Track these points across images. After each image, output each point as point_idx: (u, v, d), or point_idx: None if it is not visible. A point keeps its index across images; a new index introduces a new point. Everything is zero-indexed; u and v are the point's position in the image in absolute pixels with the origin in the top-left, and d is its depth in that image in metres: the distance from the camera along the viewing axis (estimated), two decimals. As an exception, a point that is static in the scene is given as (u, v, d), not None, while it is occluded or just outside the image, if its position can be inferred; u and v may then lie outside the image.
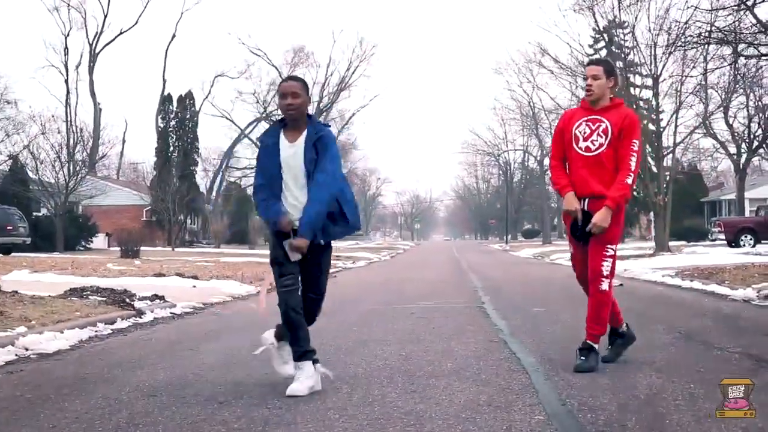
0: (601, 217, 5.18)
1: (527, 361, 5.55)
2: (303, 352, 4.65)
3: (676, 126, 31.74)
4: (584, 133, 5.29)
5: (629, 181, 5.20)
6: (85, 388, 4.95)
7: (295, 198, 4.77)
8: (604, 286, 5.26)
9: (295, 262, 4.69)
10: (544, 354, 5.60)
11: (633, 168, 5.21)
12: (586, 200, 5.28)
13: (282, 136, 4.84)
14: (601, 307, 5.30)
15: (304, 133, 4.78)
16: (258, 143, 5.83)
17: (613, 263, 5.29)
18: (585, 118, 5.33)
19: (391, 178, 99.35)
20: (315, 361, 4.70)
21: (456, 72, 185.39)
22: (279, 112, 4.99)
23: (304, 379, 4.60)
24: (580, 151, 5.30)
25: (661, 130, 32.25)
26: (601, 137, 5.25)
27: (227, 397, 4.57)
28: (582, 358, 5.22)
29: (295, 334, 4.68)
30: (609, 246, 5.25)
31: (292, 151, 4.78)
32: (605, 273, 5.24)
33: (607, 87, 5.31)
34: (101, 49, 56.12)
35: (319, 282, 4.90)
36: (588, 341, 5.27)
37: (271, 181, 4.80)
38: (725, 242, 31.46)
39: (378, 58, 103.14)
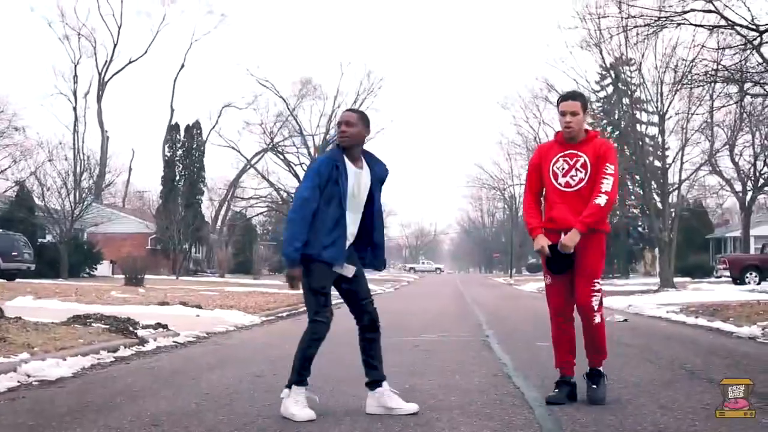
0: (568, 238, 5.13)
1: (531, 396, 5.53)
2: (302, 380, 4.81)
3: (681, 163, 31.93)
4: (563, 169, 5.25)
5: (601, 202, 5.10)
6: (87, 416, 4.93)
7: (353, 226, 4.95)
8: (597, 319, 5.29)
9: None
10: (548, 389, 5.56)
11: (607, 190, 5.10)
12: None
13: (346, 161, 4.92)
14: (597, 338, 5.34)
15: (365, 162, 4.99)
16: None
17: (601, 296, 5.31)
18: (561, 154, 5.28)
19: (396, 211, 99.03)
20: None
21: (463, 106, 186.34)
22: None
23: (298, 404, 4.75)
24: (559, 187, 5.26)
25: (667, 167, 32.40)
26: (581, 172, 5.21)
27: (229, 427, 4.54)
28: (593, 386, 5.27)
29: (309, 363, 4.84)
30: (595, 280, 5.26)
31: (360, 179, 4.93)
32: (595, 307, 5.26)
33: (583, 122, 5.30)
34: (110, 78, 56.59)
35: (367, 287, 5.23)
36: (593, 368, 5.33)
37: (316, 201, 4.82)
38: (730, 279, 31.35)
39: (385, 91, 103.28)
